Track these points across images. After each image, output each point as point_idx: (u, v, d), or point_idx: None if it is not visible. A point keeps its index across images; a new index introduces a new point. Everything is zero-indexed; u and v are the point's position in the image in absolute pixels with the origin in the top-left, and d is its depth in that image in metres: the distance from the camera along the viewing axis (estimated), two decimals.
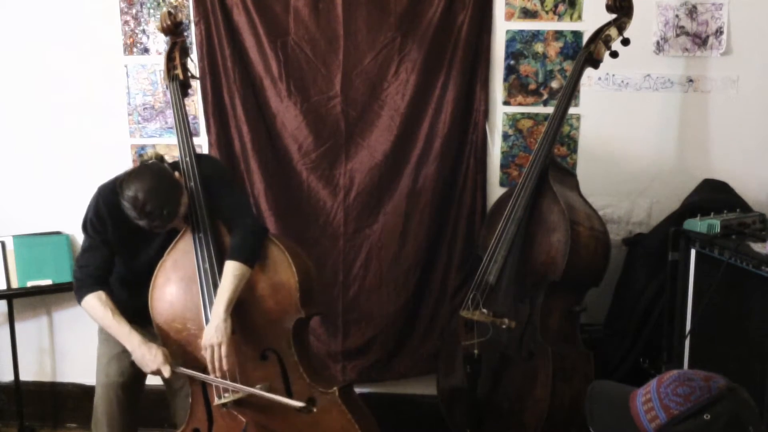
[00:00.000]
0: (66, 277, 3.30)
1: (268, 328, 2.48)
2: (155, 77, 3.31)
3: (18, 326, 3.37)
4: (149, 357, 2.41)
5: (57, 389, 3.63)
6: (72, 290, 3.28)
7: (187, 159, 2.56)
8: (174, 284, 2.50)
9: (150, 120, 3.35)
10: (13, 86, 3.39)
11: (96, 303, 2.45)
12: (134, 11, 3.27)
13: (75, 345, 3.55)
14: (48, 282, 3.30)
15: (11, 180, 3.48)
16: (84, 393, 3.55)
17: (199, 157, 2.62)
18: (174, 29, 2.71)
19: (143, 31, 3.28)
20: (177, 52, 2.70)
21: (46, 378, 3.63)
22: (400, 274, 3.25)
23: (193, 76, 2.80)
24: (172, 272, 2.50)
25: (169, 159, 2.62)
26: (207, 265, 2.45)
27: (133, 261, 2.57)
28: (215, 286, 2.42)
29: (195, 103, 3.30)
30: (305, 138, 3.21)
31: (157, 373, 2.44)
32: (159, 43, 3.28)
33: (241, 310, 2.42)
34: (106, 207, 2.47)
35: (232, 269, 2.38)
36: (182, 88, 2.72)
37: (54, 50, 3.34)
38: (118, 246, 2.53)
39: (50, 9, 3.31)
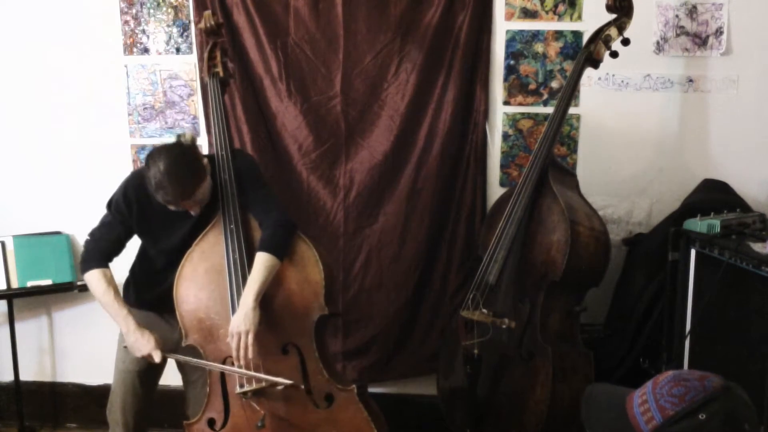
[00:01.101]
0: (66, 277, 3.32)
1: (291, 322, 2.51)
2: (155, 77, 3.31)
3: (18, 326, 3.38)
4: (142, 341, 2.48)
5: (57, 389, 3.63)
6: (72, 290, 3.34)
7: (223, 152, 2.60)
8: (201, 275, 2.53)
9: (150, 120, 3.35)
10: (13, 86, 3.40)
11: (101, 278, 2.51)
12: (134, 11, 3.27)
13: (75, 345, 3.56)
14: (48, 282, 3.30)
15: (11, 180, 3.48)
16: (84, 393, 3.57)
17: (234, 152, 2.67)
18: (216, 29, 2.79)
19: (143, 31, 3.28)
20: (218, 51, 2.77)
21: (46, 378, 3.64)
22: (400, 274, 3.25)
23: (231, 75, 2.87)
24: (200, 263, 2.53)
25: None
26: (237, 256, 2.49)
27: (156, 248, 2.62)
28: (244, 277, 2.46)
29: (195, 103, 3.30)
30: (305, 138, 3.21)
31: (149, 358, 2.50)
32: (159, 43, 3.28)
33: (266, 302, 2.45)
34: (135, 192, 2.53)
35: (263, 260, 2.41)
36: (221, 85, 2.78)
37: (54, 50, 3.34)
38: (143, 232, 2.60)
39: (50, 9, 3.31)
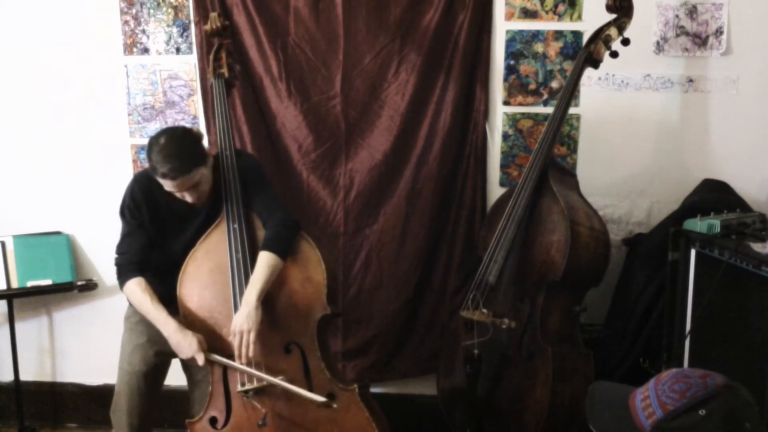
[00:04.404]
0: (66, 277, 3.31)
1: (294, 321, 2.52)
2: (155, 77, 3.31)
3: (18, 326, 3.37)
4: (184, 344, 2.45)
5: (57, 389, 3.63)
6: (72, 290, 3.35)
7: (227, 152, 2.63)
8: (205, 273, 2.55)
9: (150, 120, 3.35)
10: (13, 86, 3.40)
11: (135, 289, 2.50)
12: (134, 11, 3.27)
13: (75, 345, 3.56)
14: (48, 282, 3.30)
15: (11, 180, 3.48)
16: (84, 393, 3.57)
17: (239, 153, 2.70)
18: (222, 31, 2.84)
19: (143, 31, 3.28)
20: (223, 52, 2.81)
21: (46, 378, 3.64)
22: (400, 274, 3.25)
23: (236, 77, 2.89)
24: (204, 262, 2.55)
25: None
26: (240, 256, 2.50)
27: (164, 249, 2.62)
28: (247, 276, 2.47)
29: (195, 103, 3.30)
30: (305, 138, 3.21)
31: (192, 361, 2.48)
32: (159, 43, 3.28)
33: (270, 302, 2.47)
34: (142, 193, 2.56)
35: (266, 259, 2.43)
36: (226, 86, 2.80)
37: (54, 50, 3.35)
38: (152, 233, 2.60)
39: (50, 9, 3.31)
